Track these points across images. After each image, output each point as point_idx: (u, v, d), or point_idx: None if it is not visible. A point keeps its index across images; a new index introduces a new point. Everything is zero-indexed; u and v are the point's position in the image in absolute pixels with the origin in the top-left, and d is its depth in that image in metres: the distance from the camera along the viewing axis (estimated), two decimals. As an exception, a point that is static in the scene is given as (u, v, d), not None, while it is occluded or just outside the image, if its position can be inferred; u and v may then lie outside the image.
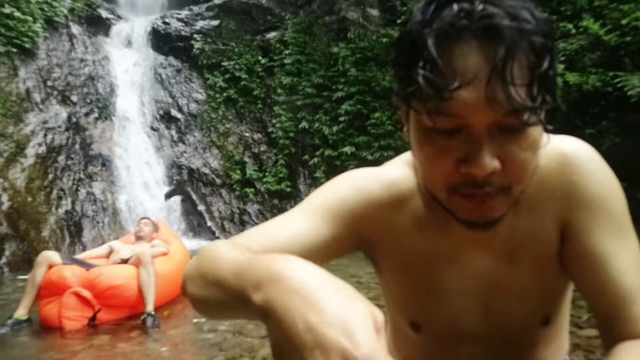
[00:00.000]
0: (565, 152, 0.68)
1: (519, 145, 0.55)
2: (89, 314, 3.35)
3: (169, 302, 3.90)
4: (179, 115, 10.02)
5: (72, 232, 7.28)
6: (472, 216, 0.60)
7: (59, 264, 3.54)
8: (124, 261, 3.83)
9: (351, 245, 0.74)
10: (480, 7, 0.52)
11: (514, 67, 0.51)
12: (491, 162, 0.54)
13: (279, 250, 0.63)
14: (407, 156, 0.76)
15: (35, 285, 3.44)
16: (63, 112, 8.39)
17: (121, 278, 3.45)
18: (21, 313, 3.42)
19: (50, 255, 3.61)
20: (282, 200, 9.48)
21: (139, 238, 4.43)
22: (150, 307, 3.38)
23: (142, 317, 3.35)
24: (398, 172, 0.75)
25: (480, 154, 0.54)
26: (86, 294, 3.32)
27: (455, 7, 0.52)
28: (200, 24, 10.86)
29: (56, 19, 9.14)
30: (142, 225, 4.55)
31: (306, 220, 0.69)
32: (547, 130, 0.59)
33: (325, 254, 0.69)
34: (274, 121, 9.98)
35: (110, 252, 4.17)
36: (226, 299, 0.51)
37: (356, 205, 0.71)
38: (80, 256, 4.21)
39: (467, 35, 0.52)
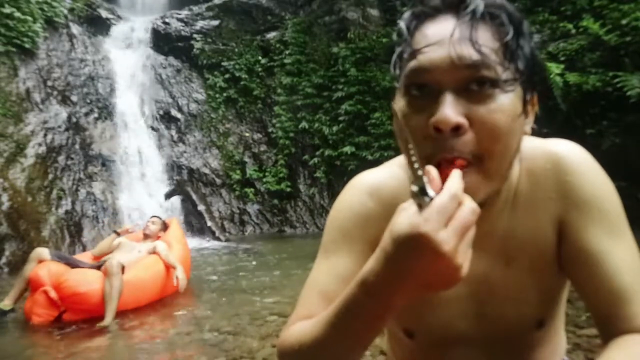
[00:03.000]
0: (558, 154, 0.69)
1: (487, 108, 0.58)
2: (55, 313, 3.46)
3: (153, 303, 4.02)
4: (179, 115, 10.02)
5: (72, 232, 7.28)
6: None
7: (47, 260, 3.69)
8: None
9: None
10: None
11: (480, 31, 0.58)
12: (455, 116, 0.56)
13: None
14: (400, 159, 0.77)
15: (23, 279, 3.63)
16: (63, 112, 8.39)
17: (85, 286, 3.48)
18: (6, 303, 3.62)
19: (41, 252, 3.78)
20: (282, 200, 9.48)
21: (145, 236, 4.57)
22: (108, 320, 3.36)
23: (99, 325, 3.33)
24: (390, 177, 0.77)
25: (443, 107, 0.57)
26: (53, 294, 3.43)
27: None
28: (200, 24, 10.85)
29: (56, 19, 9.14)
30: (150, 224, 4.67)
31: (332, 271, 0.73)
32: (542, 135, 0.61)
33: None
34: (274, 121, 9.98)
35: (117, 246, 4.34)
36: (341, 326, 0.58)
37: (359, 229, 0.74)
38: (93, 251, 4.51)
39: (440, 12, 0.61)
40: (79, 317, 3.46)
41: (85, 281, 3.52)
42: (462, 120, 0.56)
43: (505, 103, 0.58)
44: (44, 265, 3.64)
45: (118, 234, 4.55)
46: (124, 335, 3.21)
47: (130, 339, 3.15)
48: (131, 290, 3.69)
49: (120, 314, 3.60)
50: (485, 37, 0.58)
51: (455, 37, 0.57)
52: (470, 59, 0.56)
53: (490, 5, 0.59)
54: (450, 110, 0.56)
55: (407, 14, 0.63)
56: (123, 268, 3.68)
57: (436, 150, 0.58)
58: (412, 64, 0.60)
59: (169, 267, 4.17)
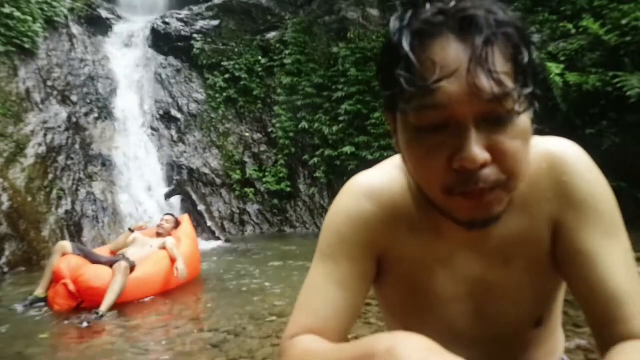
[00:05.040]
0: (555, 153, 0.69)
1: (507, 135, 0.56)
2: (74, 303, 3.84)
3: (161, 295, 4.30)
4: (179, 115, 10.02)
5: (72, 232, 7.28)
6: (472, 215, 0.60)
7: (69, 254, 4.08)
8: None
9: (374, 268, 0.76)
10: (454, 3, 0.54)
11: (494, 56, 0.53)
12: (482, 154, 0.55)
13: (336, 319, 0.70)
14: (396, 159, 0.76)
15: (49, 270, 4.04)
16: (63, 112, 8.39)
17: (99, 281, 3.85)
18: (40, 292, 4.02)
19: (64, 245, 4.19)
20: (282, 200, 9.48)
21: (158, 233, 4.93)
22: (103, 309, 3.67)
23: (95, 312, 3.64)
24: (387, 178, 0.75)
25: (469, 146, 0.54)
26: (71, 287, 3.81)
27: (428, 6, 0.55)
28: (200, 24, 10.86)
29: (56, 19, 9.14)
30: (163, 222, 5.05)
31: (330, 276, 0.73)
32: (541, 133, 0.60)
33: (364, 289, 0.74)
34: (274, 121, 9.98)
35: (132, 241, 4.68)
36: None
37: (357, 233, 0.73)
38: (109, 246, 4.90)
39: (444, 31, 0.54)
40: (95, 305, 3.76)
41: (99, 277, 3.88)
42: (488, 157, 0.55)
43: (522, 125, 0.57)
44: (65, 258, 4.01)
45: (132, 231, 4.83)
46: (124, 335, 3.21)
47: (130, 338, 3.15)
48: (141, 282, 4.09)
49: (122, 310, 3.73)
50: (500, 62, 0.53)
51: (471, 67, 0.52)
52: (492, 92, 0.53)
53: (501, 23, 0.54)
54: (477, 149, 0.54)
55: (405, 33, 0.55)
56: (133, 268, 4.08)
57: (460, 183, 0.57)
58: (426, 100, 0.54)
59: (173, 260, 4.45)
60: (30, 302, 3.96)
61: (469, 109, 0.54)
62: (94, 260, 4.17)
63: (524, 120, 0.57)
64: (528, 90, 0.55)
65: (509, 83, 0.53)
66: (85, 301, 3.83)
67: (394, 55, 0.56)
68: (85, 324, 3.46)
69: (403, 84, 0.54)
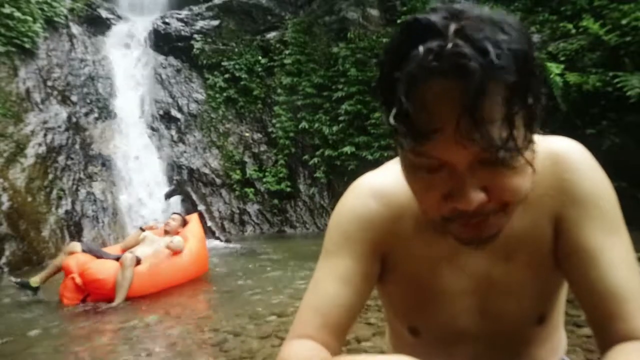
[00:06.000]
0: (557, 151, 0.69)
1: (504, 175, 0.55)
2: (81, 296, 4.12)
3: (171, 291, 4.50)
4: (179, 115, 10.02)
5: (72, 232, 7.28)
6: (470, 237, 0.61)
7: (77, 252, 4.36)
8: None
9: (378, 267, 0.77)
10: (450, 45, 0.49)
11: (486, 105, 0.49)
12: (476, 196, 0.54)
13: (336, 316, 0.70)
14: None
15: (54, 266, 4.39)
16: (63, 112, 8.39)
17: (103, 273, 4.13)
18: (36, 280, 4.33)
19: (73, 246, 4.53)
20: (282, 200, 9.48)
21: (166, 231, 5.14)
22: (116, 303, 4.00)
23: (107, 306, 3.95)
24: (393, 178, 0.75)
25: (464, 190, 0.54)
26: (78, 281, 4.07)
27: (421, 48, 0.50)
28: (200, 24, 10.85)
29: (56, 19, 9.14)
30: (170, 220, 5.28)
31: (333, 273, 0.73)
32: (531, 165, 0.57)
33: (367, 288, 0.74)
34: (274, 121, 9.98)
35: (142, 240, 4.93)
36: None
37: (362, 231, 0.74)
38: (120, 244, 5.16)
39: (437, 77, 0.50)
40: (100, 300, 4.06)
41: (103, 270, 4.15)
42: (483, 197, 0.55)
43: (520, 163, 0.55)
44: (74, 256, 4.29)
45: (143, 230, 5.11)
46: (124, 336, 3.21)
47: (130, 338, 3.14)
48: (147, 277, 4.33)
49: (123, 310, 3.73)
50: (496, 110, 0.50)
51: (462, 120, 0.50)
52: (484, 144, 0.51)
53: (498, 68, 0.48)
54: (471, 193, 0.54)
55: (402, 78, 0.51)
56: (139, 261, 4.34)
57: (456, 215, 0.57)
58: (420, 147, 0.53)
59: (175, 253, 4.69)
60: (21, 284, 4.30)
61: (462, 158, 0.53)
62: (101, 257, 4.45)
63: (527, 154, 0.56)
64: (524, 138, 0.53)
65: (504, 131, 0.51)
66: (90, 294, 4.08)
67: (389, 94, 0.53)
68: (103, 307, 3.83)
69: (397, 129, 0.53)
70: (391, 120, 0.53)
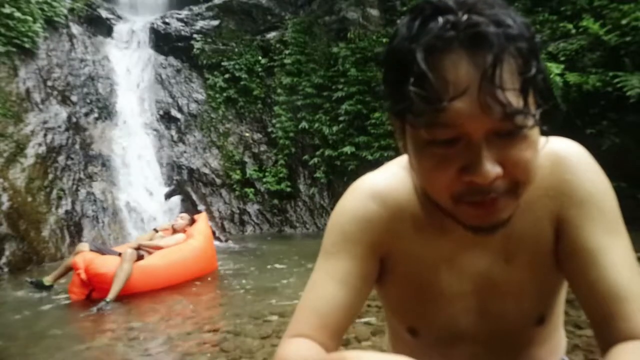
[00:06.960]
0: (557, 152, 0.70)
1: (518, 148, 0.56)
2: (86, 291, 4.26)
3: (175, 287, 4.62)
4: (179, 115, 10.02)
5: (72, 232, 7.28)
6: (479, 222, 0.60)
7: (85, 251, 4.52)
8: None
9: (377, 268, 0.77)
10: (465, 17, 0.53)
11: (504, 72, 0.52)
12: (493, 169, 0.55)
13: (334, 316, 0.70)
14: (402, 159, 0.77)
15: (64, 265, 4.58)
16: (63, 112, 8.39)
17: (105, 268, 4.24)
18: (47, 279, 4.56)
19: (82, 245, 4.70)
20: (282, 200, 9.48)
21: (174, 230, 5.36)
22: (110, 297, 4.01)
23: (104, 299, 3.97)
24: (392, 179, 0.75)
25: (481, 162, 0.54)
26: (83, 276, 4.21)
27: (440, 19, 0.53)
28: (200, 24, 10.86)
29: (56, 19, 9.15)
30: (178, 219, 5.51)
31: (331, 274, 0.73)
32: (543, 133, 0.59)
33: (366, 289, 0.74)
34: (274, 121, 9.98)
35: (151, 238, 5.18)
36: None
37: (361, 232, 0.74)
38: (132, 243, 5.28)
39: (455, 46, 0.53)
40: (103, 295, 4.07)
41: (105, 265, 4.28)
42: (500, 171, 0.55)
43: (533, 137, 0.57)
44: (81, 254, 4.45)
45: (157, 231, 5.37)
46: (124, 336, 3.21)
47: (130, 339, 3.14)
48: (147, 275, 4.43)
49: (123, 309, 3.79)
50: (511, 78, 0.53)
51: (482, 86, 0.52)
52: (503, 110, 0.52)
53: (512, 37, 0.52)
54: (488, 165, 0.54)
55: (418, 49, 0.53)
56: (140, 257, 4.49)
57: (470, 193, 0.57)
58: (437, 117, 0.54)
59: (156, 248, 4.82)
60: (35, 284, 4.49)
61: (480, 126, 0.54)
62: (107, 254, 4.59)
63: (535, 130, 0.57)
64: (538, 105, 0.55)
65: (520, 100, 0.53)
66: (95, 288, 4.22)
67: (403, 68, 0.54)
68: (94, 310, 3.79)
69: (414, 99, 0.53)
70: (409, 90, 0.53)
